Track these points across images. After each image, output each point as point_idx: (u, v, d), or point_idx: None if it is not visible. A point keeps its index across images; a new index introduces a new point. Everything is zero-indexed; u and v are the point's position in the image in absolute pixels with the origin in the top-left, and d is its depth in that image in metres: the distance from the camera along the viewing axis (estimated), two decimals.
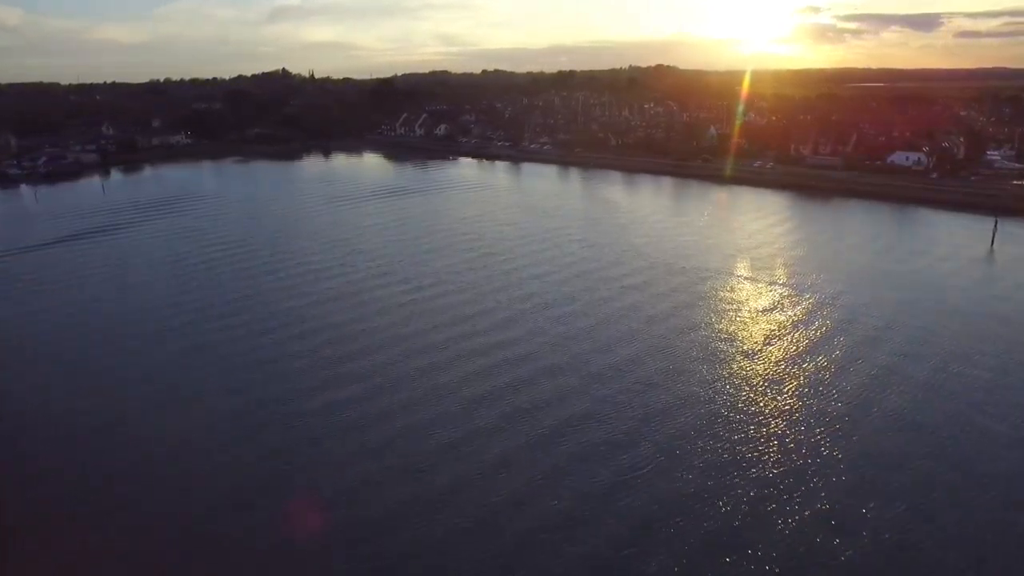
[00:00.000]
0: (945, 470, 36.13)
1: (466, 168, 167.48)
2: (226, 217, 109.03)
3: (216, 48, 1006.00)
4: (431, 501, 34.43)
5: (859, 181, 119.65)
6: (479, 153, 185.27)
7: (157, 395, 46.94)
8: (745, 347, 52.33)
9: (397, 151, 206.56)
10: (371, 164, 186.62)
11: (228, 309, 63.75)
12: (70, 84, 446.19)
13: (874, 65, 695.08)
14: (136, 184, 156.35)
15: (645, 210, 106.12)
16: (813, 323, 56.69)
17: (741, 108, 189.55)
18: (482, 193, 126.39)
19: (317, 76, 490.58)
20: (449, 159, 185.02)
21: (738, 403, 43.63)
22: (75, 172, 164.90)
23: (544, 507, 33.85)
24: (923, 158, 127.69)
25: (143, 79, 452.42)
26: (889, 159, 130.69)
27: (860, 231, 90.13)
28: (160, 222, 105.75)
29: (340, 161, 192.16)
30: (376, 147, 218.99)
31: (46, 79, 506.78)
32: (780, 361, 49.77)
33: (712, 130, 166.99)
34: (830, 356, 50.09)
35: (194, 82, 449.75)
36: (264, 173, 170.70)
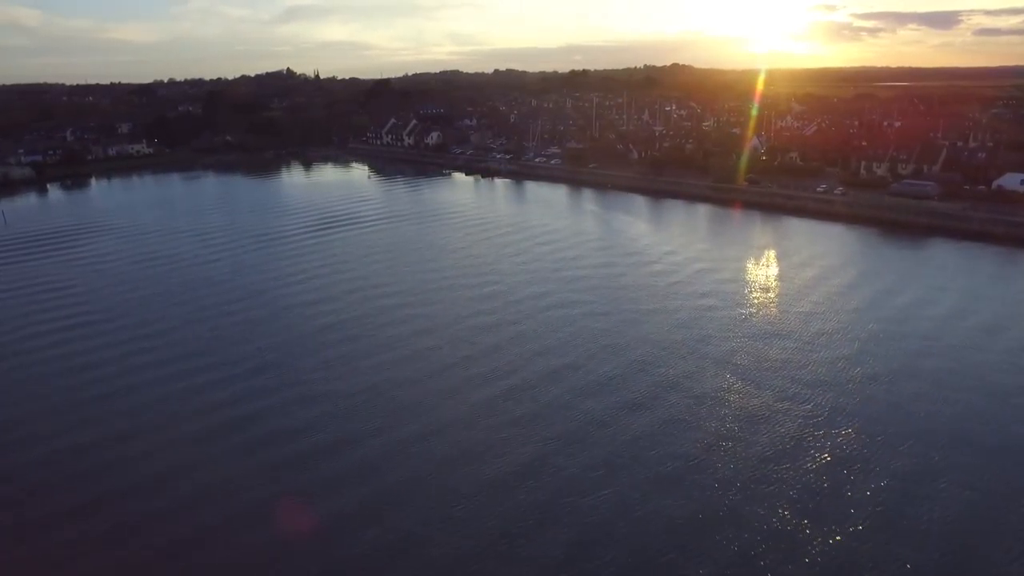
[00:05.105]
0: None
1: (457, 188, 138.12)
2: (112, 262, 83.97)
3: (230, 47, 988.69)
4: None
5: (967, 216, 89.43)
6: (475, 167, 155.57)
7: None
8: None
9: (382, 163, 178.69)
10: (343, 181, 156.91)
11: None
12: (75, 84, 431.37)
13: (892, 64, 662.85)
14: (52, 208, 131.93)
15: (692, 265, 75.84)
16: None
17: (755, 110, 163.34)
18: (468, 231, 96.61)
19: (324, 75, 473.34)
20: (442, 173, 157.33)
21: None
22: None
23: None
24: None
25: (148, 79, 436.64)
26: (996, 183, 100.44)
27: (1015, 306, 60.39)
28: (25, 266, 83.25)
29: (309, 177, 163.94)
30: (359, 157, 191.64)
31: (56, 79, 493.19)
32: None
33: (756, 141, 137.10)
34: None
35: (197, 82, 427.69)
36: (207, 193, 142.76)
